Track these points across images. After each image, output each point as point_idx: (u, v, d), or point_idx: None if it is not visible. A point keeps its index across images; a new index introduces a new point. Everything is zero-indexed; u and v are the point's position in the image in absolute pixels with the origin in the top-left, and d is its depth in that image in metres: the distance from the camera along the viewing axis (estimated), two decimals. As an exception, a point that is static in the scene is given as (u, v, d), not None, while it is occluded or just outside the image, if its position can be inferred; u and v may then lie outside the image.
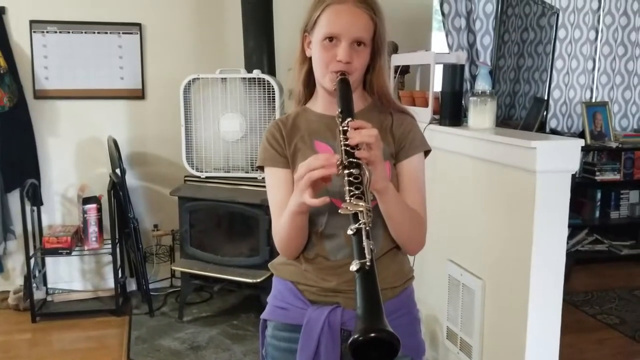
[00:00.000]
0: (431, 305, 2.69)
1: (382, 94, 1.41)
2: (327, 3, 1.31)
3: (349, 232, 1.10)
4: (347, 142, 1.15)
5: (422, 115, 2.58)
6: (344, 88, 1.28)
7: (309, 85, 1.43)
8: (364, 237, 1.08)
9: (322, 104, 1.40)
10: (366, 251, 1.06)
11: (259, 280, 3.03)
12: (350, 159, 1.13)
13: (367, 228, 1.09)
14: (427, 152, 1.44)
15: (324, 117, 1.39)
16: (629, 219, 4.52)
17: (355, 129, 1.16)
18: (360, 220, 1.09)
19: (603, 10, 4.30)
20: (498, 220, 2.17)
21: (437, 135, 2.47)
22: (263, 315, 1.48)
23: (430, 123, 2.51)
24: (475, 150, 2.26)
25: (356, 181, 1.12)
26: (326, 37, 1.30)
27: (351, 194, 1.11)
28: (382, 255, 1.37)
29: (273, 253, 3.07)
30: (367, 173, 1.14)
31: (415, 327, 1.47)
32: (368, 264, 1.05)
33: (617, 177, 4.33)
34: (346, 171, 1.13)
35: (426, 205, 1.43)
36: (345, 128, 1.17)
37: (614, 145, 4.25)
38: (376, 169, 1.17)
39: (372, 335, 0.97)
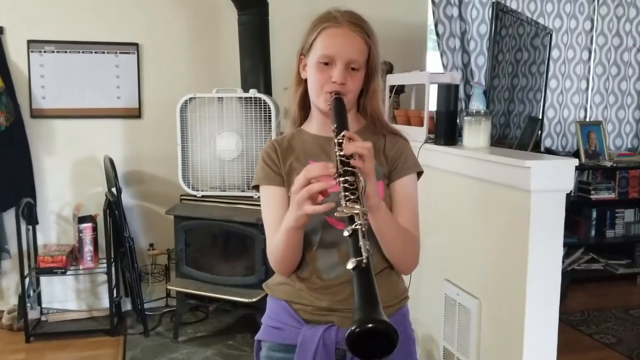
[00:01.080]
0: (427, 324, 2.68)
1: (376, 117, 1.44)
2: (323, 27, 1.34)
3: (345, 233, 1.11)
4: (341, 153, 1.17)
5: (417, 134, 2.60)
6: (338, 105, 1.30)
7: (304, 106, 1.46)
8: (360, 237, 1.09)
9: (317, 125, 1.42)
10: (362, 250, 1.07)
11: (254, 299, 3.01)
12: (346, 168, 1.15)
13: (363, 229, 1.10)
14: (419, 174, 1.46)
15: (319, 138, 1.41)
16: (625, 238, 4.52)
17: (350, 139, 1.19)
18: (356, 222, 1.10)
19: (596, 31, 4.36)
20: (493, 239, 2.17)
21: (432, 155, 2.48)
22: (257, 336, 1.48)
23: (425, 142, 2.52)
24: (470, 169, 2.27)
25: (351, 187, 1.14)
26: (322, 59, 1.32)
27: (347, 198, 1.12)
28: (376, 274, 1.36)
29: (269, 272, 3.07)
30: (362, 181, 1.17)
31: (410, 347, 1.47)
32: (364, 261, 1.06)
33: (612, 196, 4.35)
34: (341, 178, 1.15)
35: (419, 225, 1.43)
36: (340, 140, 1.20)
37: (608, 164, 4.27)
38: (369, 183, 1.19)
39: (370, 326, 0.96)
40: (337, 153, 1.18)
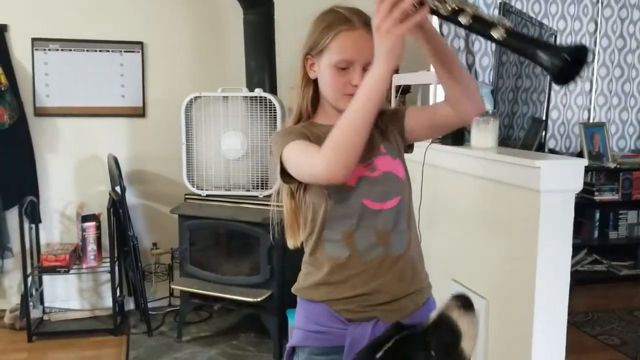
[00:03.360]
0: (433, 325, 2.67)
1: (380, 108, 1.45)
2: (339, 30, 1.35)
3: (463, 21, 1.06)
4: None
5: (425, 134, 2.60)
6: None
7: (314, 104, 1.46)
8: (482, 15, 1.05)
9: (331, 118, 1.40)
10: (496, 20, 1.04)
11: (259, 299, 3.00)
12: None
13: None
14: None
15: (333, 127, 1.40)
16: (628, 239, 4.52)
17: None
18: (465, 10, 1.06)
19: (600, 33, 4.36)
20: (502, 239, 2.17)
21: (440, 155, 2.48)
22: (294, 342, 1.45)
23: (432, 142, 2.52)
24: (479, 169, 2.26)
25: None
26: (341, 64, 1.34)
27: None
28: (410, 248, 1.40)
29: (274, 272, 3.07)
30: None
31: None
32: (505, 25, 1.04)
33: (615, 197, 4.35)
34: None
35: None
36: None
37: (612, 165, 4.27)
38: None
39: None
40: None
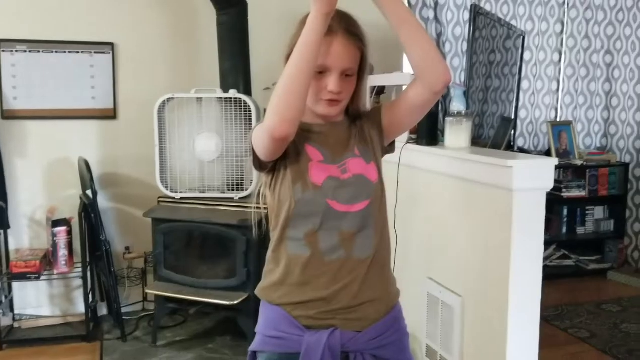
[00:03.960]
0: (410, 323, 2.67)
1: (359, 110, 1.47)
2: None
3: None
4: None
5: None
6: None
7: None
8: None
9: (312, 118, 1.42)
10: None
11: (236, 302, 2.99)
12: None
13: None
14: None
15: (314, 125, 1.42)
16: (595, 235, 4.65)
17: None
18: None
19: (566, 34, 4.46)
20: (476, 237, 2.21)
21: (415, 155, 2.51)
22: (253, 347, 1.44)
23: (407, 142, 2.55)
24: (453, 169, 2.30)
25: None
26: (317, 69, 1.32)
27: None
28: (376, 255, 1.39)
29: (250, 275, 3.06)
30: None
31: (406, 342, 1.51)
32: None
33: (582, 193, 4.46)
34: None
35: None
36: None
37: (579, 163, 4.38)
38: None
39: None
40: None
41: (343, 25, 1.34)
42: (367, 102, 2.92)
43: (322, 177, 1.35)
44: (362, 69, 1.39)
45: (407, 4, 3.55)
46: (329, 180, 1.34)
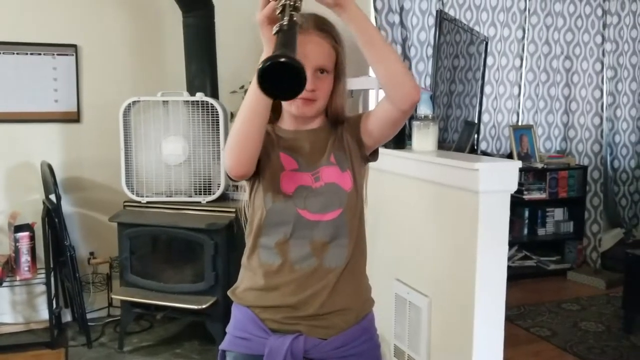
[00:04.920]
0: (378, 324, 2.72)
1: (339, 113, 1.43)
2: None
3: (274, 30, 1.06)
4: None
5: (367, 138, 2.66)
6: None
7: (275, 109, 1.44)
8: (287, 9, 1.08)
9: (288, 121, 1.42)
10: (285, 13, 1.07)
11: (204, 306, 2.97)
12: None
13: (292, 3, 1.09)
14: None
15: (290, 132, 1.41)
16: (555, 236, 4.77)
17: None
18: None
19: (527, 39, 4.58)
20: (443, 239, 2.25)
21: (383, 158, 2.51)
22: (222, 346, 1.45)
23: (374, 146, 2.58)
24: (420, 172, 2.34)
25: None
26: None
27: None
28: (349, 265, 1.38)
29: (219, 279, 3.05)
30: None
31: (377, 353, 1.49)
32: (285, 23, 1.05)
33: (543, 196, 4.58)
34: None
35: None
36: None
37: (539, 166, 4.49)
38: None
39: (282, 60, 0.95)
40: None
41: (314, 24, 1.34)
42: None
43: (293, 186, 1.34)
44: (338, 69, 1.38)
45: (372, 9, 3.60)
46: (300, 189, 1.34)
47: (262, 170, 1.35)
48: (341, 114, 1.44)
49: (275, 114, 1.45)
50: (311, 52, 1.32)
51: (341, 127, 1.42)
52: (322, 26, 1.36)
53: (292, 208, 1.33)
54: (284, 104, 1.39)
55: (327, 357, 1.36)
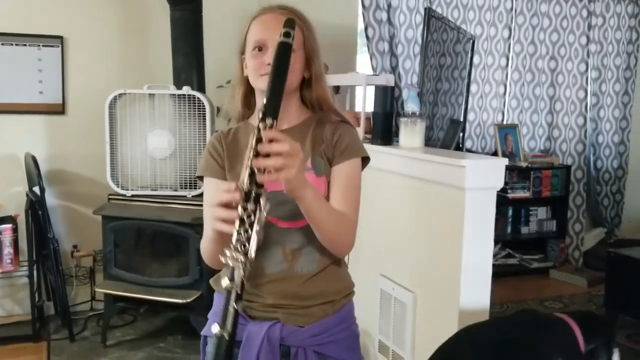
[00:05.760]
0: (363, 319, 2.72)
1: (322, 101, 1.41)
2: (253, 17, 1.36)
3: (223, 284, 1.14)
4: (256, 155, 1.13)
5: (354, 134, 2.66)
6: (282, 57, 1.20)
7: (249, 104, 1.44)
8: (231, 301, 1.13)
9: None
10: (228, 322, 1.13)
11: (189, 300, 2.97)
12: (250, 188, 1.14)
13: (238, 291, 1.14)
14: (365, 160, 1.45)
15: None
16: (538, 234, 4.82)
17: (270, 141, 1.12)
18: (234, 280, 1.13)
19: (513, 39, 4.62)
20: (429, 235, 2.26)
21: (370, 154, 2.54)
22: (203, 332, 1.47)
23: (362, 142, 2.58)
24: (407, 168, 2.35)
25: (248, 219, 1.14)
26: (255, 45, 1.32)
27: (236, 240, 1.14)
28: (322, 270, 1.39)
29: (203, 272, 3.04)
30: (265, 206, 1.15)
31: (354, 342, 1.50)
32: (227, 337, 1.12)
33: (526, 194, 4.62)
34: (240, 206, 1.14)
35: (358, 208, 1.42)
36: (259, 136, 1.13)
37: (523, 164, 4.54)
38: (293, 179, 1.15)
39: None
40: (251, 155, 1.14)
41: (277, 6, 1.35)
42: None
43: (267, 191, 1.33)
44: (307, 49, 1.36)
45: (360, 6, 3.60)
46: (271, 195, 1.26)
47: (234, 178, 1.35)
48: (324, 100, 1.41)
49: (250, 109, 1.44)
50: (272, 29, 1.28)
51: (326, 129, 1.39)
52: (286, 7, 1.36)
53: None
54: (252, 82, 1.37)
55: (304, 345, 1.36)
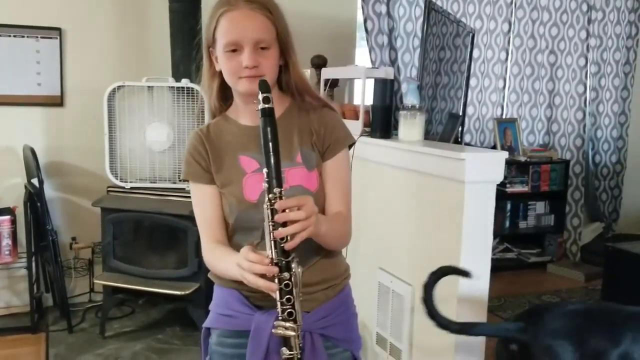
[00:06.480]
0: (361, 311, 2.72)
1: (301, 88, 1.41)
2: (220, 13, 1.30)
3: (282, 356, 1.22)
4: (274, 225, 1.18)
5: (353, 127, 2.65)
6: (269, 129, 1.21)
7: (225, 97, 1.42)
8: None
9: (243, 113, 1.40)
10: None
11: (187, 292, 2.98)
12: (280, 258, 1.19)
13: (299, 356, 1.23)
14: (351, 145, 1.46)
15: (247, 128, 1.38)
16: (536, 229, 4.82)
17: (283, 210, 1.17)
18: (292, 348, 1.22)
19: (513, 33, 4.60)
20: (428, 228, 2.27)
21: (369, 147, 2.55)
22: (206, 324, 1.47)
23: (361, 135, 2.59)
24: (406, 161, 2.35)
25: (287, 289, 1.20)
26: (227, 48, 1.28)
27: (283, 310, 1.20)
28: (320, 259, 1.40)
29: (202, 265, 3.04)
30: (297, 269, 1.21)
31: (353, 322, 1.52)
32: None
33: (525, 189, 4.62)
34: (277, 279, 1.19)
35: (351, 201, 1.44)
36: (273, 207, 1.18)
37: (522, 159, 4.54)
38: (314, 229, 1.21)
39: None
40: (271, 227, 1.18)
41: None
42: (321, 94, 2.95)
43: (257, 193, 1.32)
44: (281, 42, 1.33)
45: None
46: (263, 195, 1.22)
47: (222, 181, 1.36)
48: (302, 82, 1.40)
49: (225, 103, 1.43)
50: (244, 27, 1.27)
51: (311, 116, 1.39)
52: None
53: (258, 215, 1.28)
54: (232, 85, 1.35)
55: (310, 329, 1.37)
